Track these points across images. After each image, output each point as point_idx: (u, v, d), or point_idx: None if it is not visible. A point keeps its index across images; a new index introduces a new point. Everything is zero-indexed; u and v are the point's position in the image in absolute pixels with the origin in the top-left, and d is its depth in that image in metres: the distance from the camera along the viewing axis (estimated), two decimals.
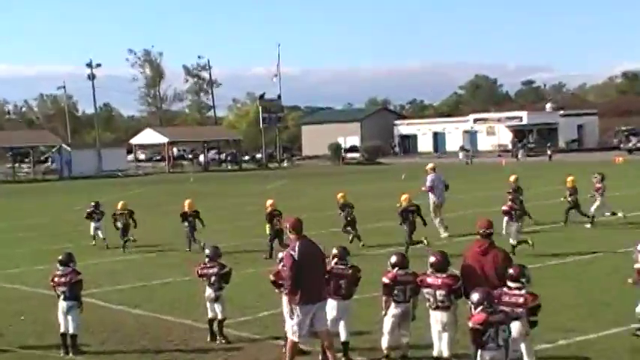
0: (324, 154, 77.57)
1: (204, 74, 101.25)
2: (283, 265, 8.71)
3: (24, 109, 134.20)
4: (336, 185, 34.31)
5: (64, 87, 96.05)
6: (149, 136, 73.86)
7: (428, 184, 18.99)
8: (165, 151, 73.81)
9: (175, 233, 20.74)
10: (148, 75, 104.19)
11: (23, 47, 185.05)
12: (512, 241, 15.48)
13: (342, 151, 75.27)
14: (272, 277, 9.38)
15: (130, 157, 78.03)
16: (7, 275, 16.13)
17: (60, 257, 10.10)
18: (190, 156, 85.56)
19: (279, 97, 78.46)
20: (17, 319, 12.13)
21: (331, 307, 8.81)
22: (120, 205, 19.61)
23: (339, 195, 18.70)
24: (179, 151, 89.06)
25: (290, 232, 8.63)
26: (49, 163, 75.97)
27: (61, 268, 9.94)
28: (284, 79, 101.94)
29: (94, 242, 19.86)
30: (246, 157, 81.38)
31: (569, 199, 19.45)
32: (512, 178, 20.32)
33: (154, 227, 23.11)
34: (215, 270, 10.13)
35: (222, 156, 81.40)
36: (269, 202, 17.24)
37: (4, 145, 68.03)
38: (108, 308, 12.60)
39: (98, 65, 71.56)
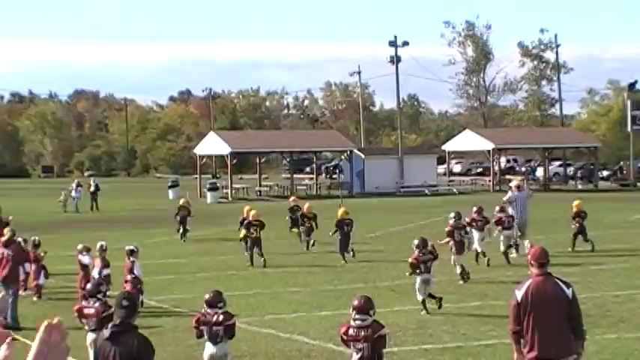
0: None
1: (549, 55, 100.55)
2: None
3: (306, 101, 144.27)
4: None
5: (359, 72, 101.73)
6: (468, 141, 74.93)
7: (507, 199, 26.84)
8: (490, 161, 74.30)
9: (504, 286, 20.74)
10: (470, 56, 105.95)
11: (306, 23, 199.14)
12: None
13: None
14: None
15: (442, 168, 79.89)
16: (283, 322, 17.34)
17: (355, 302, 10.52)
18: (524, 169, 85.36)
19: None
20: None
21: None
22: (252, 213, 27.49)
23: None
24: (509, 161, 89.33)
25: (531, 264, 9.68)
26: (337, 174, 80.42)
27: (358, 316, 10.35)
28: None
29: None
30: (605, 173, 79.05)
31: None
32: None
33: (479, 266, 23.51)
34: None
35: (571, 170, 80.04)
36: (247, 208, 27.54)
37: (281, 149, 73.18)
38: None
39: (405, 44, 74.10)
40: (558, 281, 9.55)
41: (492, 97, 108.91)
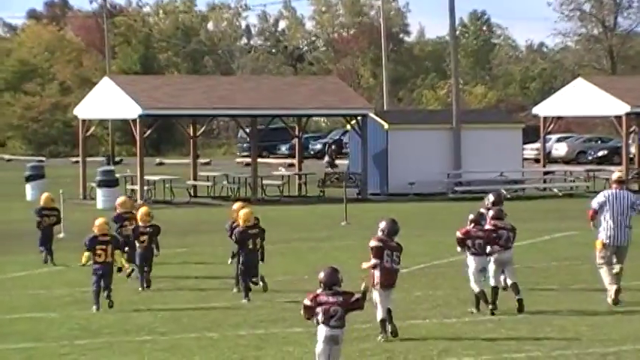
0: None
1: None
2: None
3: (282, 23, 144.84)
4: None
5: None
6: (581, 100, 74.76)
7: (594, 205, 28.21)
8: (623, 137, 73.99)
9: None
10: None
11: None
12: None
13: None
14: None
15: (533, 149, 79.98)
16: None
17: None
18: None
19: None
20: None
21: None
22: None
23: None
24: None
25: None
26: (334, 157, 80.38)
27: None
28: None
29: None
30: None
31: None
32: None
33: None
34: None
35: None
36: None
37: (235, 111, 72.31)
38: None
39: None
40: None
41: (627, 19, 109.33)
